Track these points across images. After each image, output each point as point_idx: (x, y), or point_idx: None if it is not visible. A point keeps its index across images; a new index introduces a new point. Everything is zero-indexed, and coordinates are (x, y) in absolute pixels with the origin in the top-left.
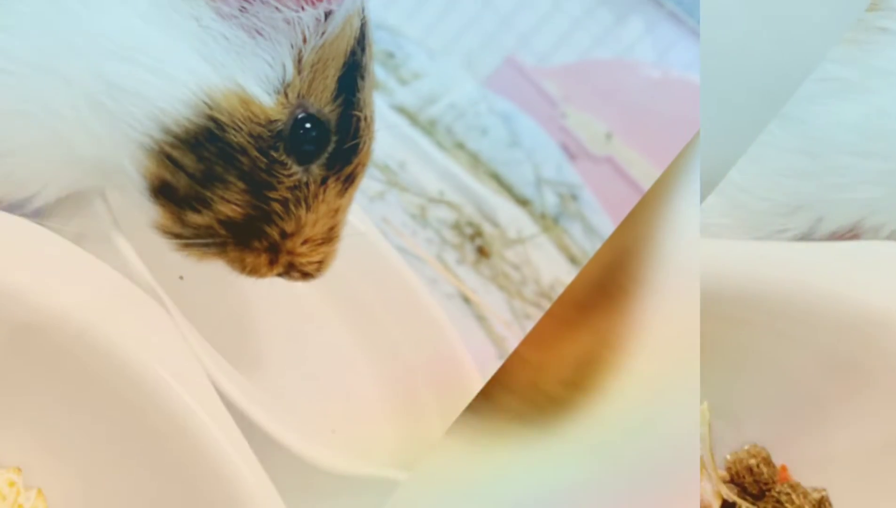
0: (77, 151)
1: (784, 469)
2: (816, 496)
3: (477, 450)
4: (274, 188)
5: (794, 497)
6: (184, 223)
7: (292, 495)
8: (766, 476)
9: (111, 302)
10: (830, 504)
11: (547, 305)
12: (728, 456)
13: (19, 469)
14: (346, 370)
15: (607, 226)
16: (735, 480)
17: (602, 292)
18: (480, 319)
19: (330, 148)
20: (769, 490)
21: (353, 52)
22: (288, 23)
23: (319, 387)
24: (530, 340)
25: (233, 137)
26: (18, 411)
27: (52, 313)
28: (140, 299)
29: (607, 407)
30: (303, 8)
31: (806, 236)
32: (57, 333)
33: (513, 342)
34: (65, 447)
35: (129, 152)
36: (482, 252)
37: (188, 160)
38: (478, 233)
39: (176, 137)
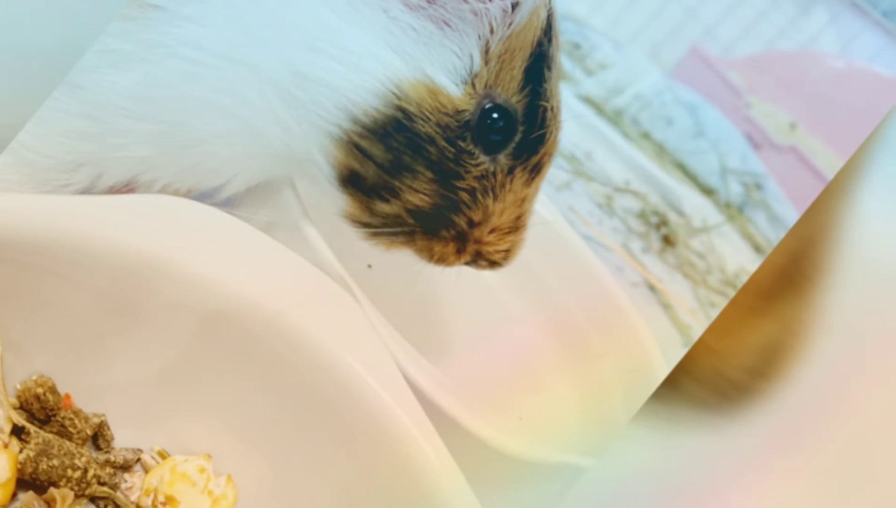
0: (267, 141)
1: (68, 396)
2: (96, 420)
3: (662, 437)
4: (461, 178)
5: (76, 421)
6: (372, 212)
7: (478, 480)
8: (51, 403)
9: (301, 291)
10: (109, 427)
11: (731, 293)
12: (18, 386)
13: (209, 456)
14: (533, 357)
15: (792, 215)
16: (24, 407)
17: (786, 280)
18: (666, 307)
19: (517, 138)
20: (55, 415)
21: (539, 43)
22: (475, 14)
23: (507, 375)
24: (715, 328)
25: (421, 127)
26: (209, 398)
27: (241, 301)
28: (329, 288)
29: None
30: None
31: (87, 190)
32: (247, 320)
33: (698, 329)
34: (255, 433)
35: (318, 142)
36: (667, 241)
37: (377, 150)
38: (663, 222)
39: (364, 126)
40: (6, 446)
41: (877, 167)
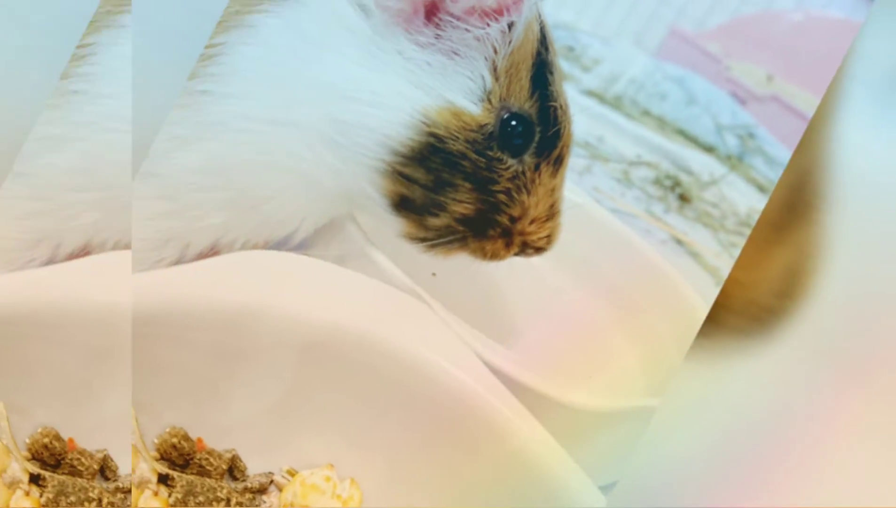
0: (323, 186)
1: (200, 440)
2: (228, 455)
3: (714, 368)
4: (496, 182)
5: (211, 459)
6: (426, 228)
7: (567, 440)
8: (187, 448)
9: (380, 308)
10: (240, 459)
11: (747, 232)
12: (155, 440)
13: (332, 466)
14: (590, 323)
15: (785, 154)
16: (164, 457)
17: (792, 210)
18: (694, 256)
19: (536, 138)
20: (192, 458)
21: (538, 53)
22: (478, 40)
23: (572, 342)
24: (740, 264)
25: (452, 146)
26: (322, 417)
27: (332, 328)
28: (404, 301)
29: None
30: (488, 24)
31: (179, 261)
32: (339, 344)
33: (725, 269)
34: (369, 440)
35: (367, 177)
36: (683, 198)
37: (419, 174)
38: (676, 183)
39: (404, 156)
40: (156, 494)
41: (848, 97)
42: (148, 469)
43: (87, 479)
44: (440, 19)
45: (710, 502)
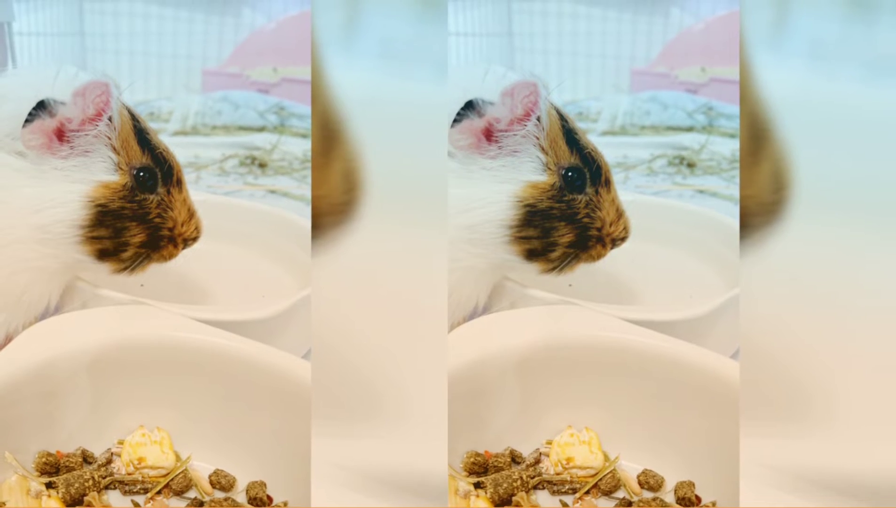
0: (480, 270)
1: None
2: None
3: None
4: (578, 213)
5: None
6: (551, 261)
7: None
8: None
9: (559, 321)
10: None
11: (737, 164)
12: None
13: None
14: (676, 265)
15: (735, 109)
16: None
17: (759, 136)
18: (714, 194)
19: (588, 176)
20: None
21: (563, 125)
22: (524, 136)
23: (669, 283)
24: (743, 185)
25: (541, 205)
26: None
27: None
28: (568, 311)
29: None
30: (525, 125)
31: None
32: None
33: (736, 192)
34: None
35: (503, 250)
36: (690, 165)
37: (531, 232)
38: (682, 158)
39: (517, 226)
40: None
41: (753, 54)
42: None
43: (79, 469)
44: (497, 137)
45: None
